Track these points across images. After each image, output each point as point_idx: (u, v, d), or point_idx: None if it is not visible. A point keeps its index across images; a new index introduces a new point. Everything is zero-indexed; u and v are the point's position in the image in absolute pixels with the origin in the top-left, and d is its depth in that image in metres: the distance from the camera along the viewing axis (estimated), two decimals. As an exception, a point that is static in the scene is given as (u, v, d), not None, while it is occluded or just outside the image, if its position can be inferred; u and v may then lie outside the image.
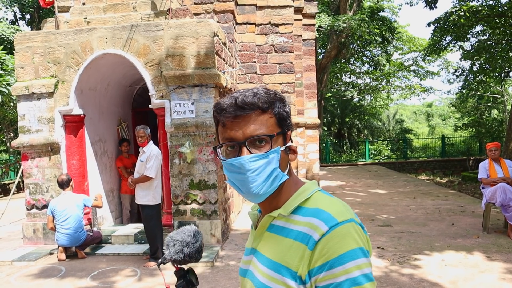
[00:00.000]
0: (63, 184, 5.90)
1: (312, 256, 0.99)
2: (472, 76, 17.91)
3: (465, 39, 16.19)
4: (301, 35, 10.34)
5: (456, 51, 17.67)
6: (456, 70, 19.82)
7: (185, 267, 1.42)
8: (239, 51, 9.02)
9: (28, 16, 21.88)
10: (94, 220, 6.58)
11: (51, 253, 6.09)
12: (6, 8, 19.96)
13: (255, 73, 9.12)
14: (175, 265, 1.40)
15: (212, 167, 6.12)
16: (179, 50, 6.10)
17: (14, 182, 9.30)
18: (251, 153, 1.06)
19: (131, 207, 7.58)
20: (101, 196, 6.36)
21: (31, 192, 6.48)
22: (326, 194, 1.13)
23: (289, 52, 9.37)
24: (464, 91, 19.30)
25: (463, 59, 17.15)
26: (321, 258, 0.98)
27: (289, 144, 1.13)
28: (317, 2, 11.31)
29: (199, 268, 5.31)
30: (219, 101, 1.11)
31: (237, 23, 8.98)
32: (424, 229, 6.89)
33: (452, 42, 16.39)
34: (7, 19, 21.30)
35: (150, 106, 6.27)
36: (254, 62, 9.10)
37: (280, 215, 1.10)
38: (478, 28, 15.92)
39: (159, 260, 1.43)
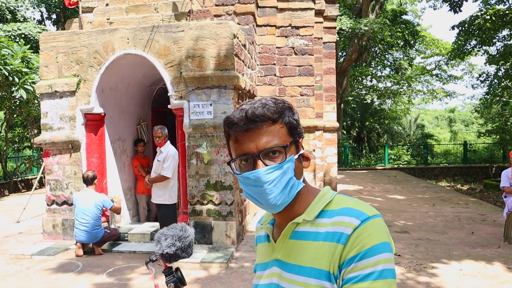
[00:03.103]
0: (87, 181, 5.99)
1: (343, 249, 1.00)
2: (497, 82, 17.48)
3: (491, 44, 15.83)
4: (321, 38, 10.27)
5: (481, 55, 17.29)
6: (480, 75, 19.38)
7: (173, 266, 1.43)
8: (259, 53, 9.03)
9: (54, 16, 22.40)
10: (111, 217, 6.68)
11: (68, 249, 6.21)
12: (34, 8, 20.50)
13: (275, 75, 9.11)
14: (164, 262, 1.39)
15: (229, 168, 6.13)
16: (199, 51, 6.14)
17: (36, 178, 9.52)
18: (266, 165, 1.06)
19: (148, 206, 7.66)
20: (120, 199, 6.42)
21: (52, 188, 6.62)
22: (346, 196, 1.15)
23: (309, 54, 9.32)
24: (488, 96, 18.85)
25: (488, 63, 16.76)
26: (352, 250, 0.99)
27: (301, 151, 1.13)
28: (338, 5, 11.24)
29: (213, 268, 5.33)
30: (228, 115, 1.11)
31: (257, 25, 8.98)
32: (442, 237, 6.75)
33: (477, 46, 16.04)
34: (34, 18, 21.87)
35: (169, 106, 6.33)
36: (274, 64, 9.09)
37: (304, 221, 1.11)
38: (505, 32, 15.54)
39: (148, 258, 1.42)
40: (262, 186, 1.05)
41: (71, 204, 6.37)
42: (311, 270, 1.04)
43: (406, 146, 24.49)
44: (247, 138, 1.06)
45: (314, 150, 9.09)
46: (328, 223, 1.07)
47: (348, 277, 0.98)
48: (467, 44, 15.78)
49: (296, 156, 1.10)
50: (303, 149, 1.15)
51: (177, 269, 1.42)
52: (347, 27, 17.03)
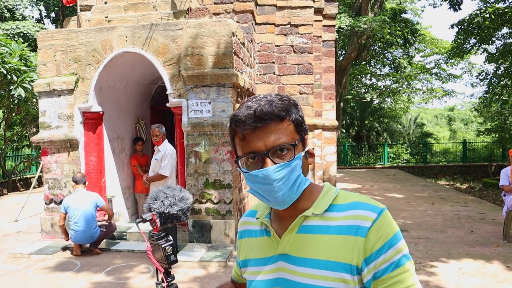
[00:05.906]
0: (76, 181, 5.92)
1: (366, 242, 1.03)
2: (496, 80, 17.46)
3: (490, 42, 15.80)
4: (320, 36, 10.24)
5: (481, 54, 17.26)
6: (479, 74, 19.37)
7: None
8: (258, 51, 9.00)
9: (53, 15, 22.35)
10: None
11: (64, 248, 6.18)
12: (32, 6, 20.44)
13: (274, 73, 9.08)
14: (157, 224, 1.22)
15: (228, 167, 6.12)
16: (198, 49, 6.12)
17: (35, 177, 9.50)
18: (274, 163, 1.05)
19: (147, 204, 7.64)
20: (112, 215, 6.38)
21: (50, 187, 6.60)
22: (349, 192, 1.18)
23: (308, 53, 9.30)
24: (487, 95, 18.83)
25: (487, 62, 16.75)
26: (378, 241, 1.03)
27: (307, 148, 1.14)
28: (337, 3, 11.21)
29: (212, 267, 5.32)
30: (235, 113, 1.09)
31: (256, 23, 8.95)
32: (441, 236, 6.74)
33: (476, 45, 16.02)
34: (32, 17, 21.81)
35: (167, 104, 6.31)
36: (273, 62, 9.06)
37: (313, 215, 1.11)
38: (504, 30, 15.53)
39: (141, 217, 1.23)
40: (271, 184, 1.04)
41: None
42: (327, 263, 1.05)
43: (406, 144, 24.47)
44: (255, 136, 1.05)
45: (313, 149, 9.07)
46: (339, 216, 1.09)
47: (383, 268, 1.02)
48: (467, 43, 15.76)
49: (303, 153, 1.10)
50: (307, 145, 1.15)
51: (167, 234, 1.27)
52: (346, 26, 17.00)
